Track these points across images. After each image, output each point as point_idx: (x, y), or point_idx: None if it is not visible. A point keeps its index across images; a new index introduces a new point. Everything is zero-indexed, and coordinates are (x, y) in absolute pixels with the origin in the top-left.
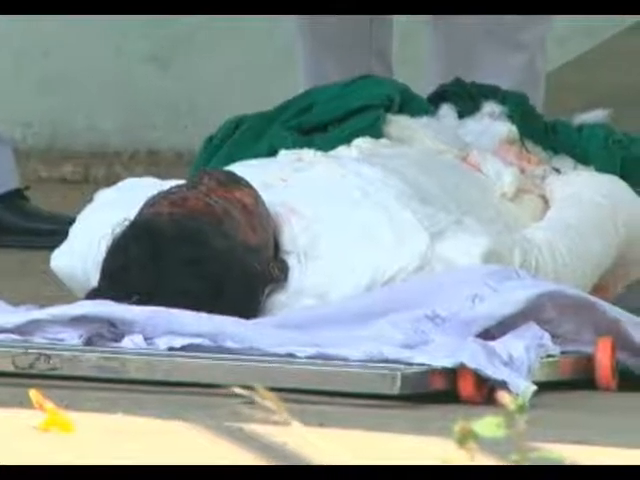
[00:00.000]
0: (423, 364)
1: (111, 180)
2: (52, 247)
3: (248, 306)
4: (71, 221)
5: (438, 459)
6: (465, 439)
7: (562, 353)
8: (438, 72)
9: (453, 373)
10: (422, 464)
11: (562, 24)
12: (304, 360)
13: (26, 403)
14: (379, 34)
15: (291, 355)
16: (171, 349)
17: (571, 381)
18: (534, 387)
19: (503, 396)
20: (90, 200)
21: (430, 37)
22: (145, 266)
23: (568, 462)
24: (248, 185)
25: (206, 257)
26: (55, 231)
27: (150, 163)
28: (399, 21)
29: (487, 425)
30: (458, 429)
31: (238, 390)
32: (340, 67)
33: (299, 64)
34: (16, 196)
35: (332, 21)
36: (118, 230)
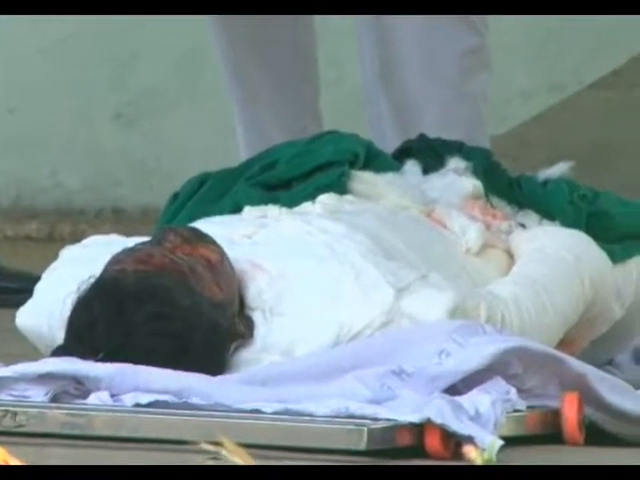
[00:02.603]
0: (389, 419)
1: (77, 238)
2: (17, 305)
3: (214, 362)
4: (37, 279)
5: None
6: None
7: (529, 408)
8: (387, 129)
9: (420, 428)
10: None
11: (526, 80)
12: (270, 416)
13: None
14: (308, 94)
15: (257, 411)
16: (137, 405)
17: (538, 436)
18: (501, 442)
19: (470, 451)
20: (55, 257)
21: (377, 94)
22: (110, 323)
23: None
24: (213, 242)
25: (171, 314)
26: (21, 289)
27: (116, 221)
28: (356, 85)
29: None
30: None
31: (205, 445)
32: (277, 126)
33: (236, 124)
34: None
35: (261, 78)
36: (83, 287)
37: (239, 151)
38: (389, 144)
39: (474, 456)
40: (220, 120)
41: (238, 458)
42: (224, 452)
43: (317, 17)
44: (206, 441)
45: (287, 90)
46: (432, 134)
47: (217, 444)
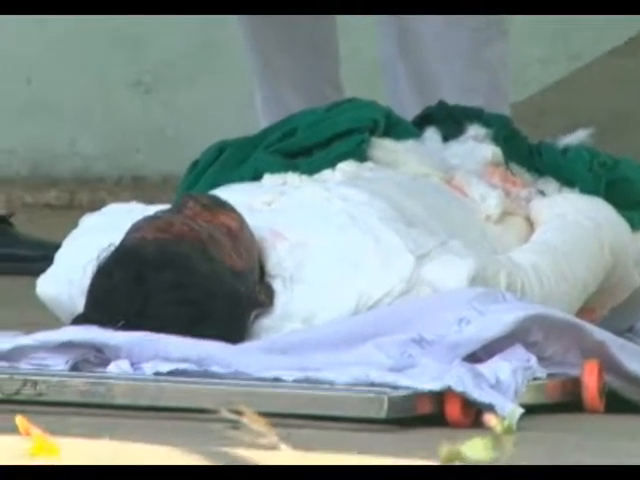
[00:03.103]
0: (410, 388)
1: (96, 206)
2: (37, 273)
3: (234, 330)
4: (56, 247)
5: None
6: (451, 461)
7: (549, 376)
8: (405, 98)
9: (440, 397)
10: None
11: (544, 48)
12: (291, 384)
13: (13, 429)
14: (328, 65)
15: (277, 379)
16: (157, 374)
17: (558, 404)
18: (521, 410)
19: (490, 419)
20: (75, 225)
21: (395, 64)
22: (131, 291)
23: None
24: (233, 209)
25: (191, 282)
26: (39, 257)
27: (135, 188)
28: (374, 55)
29: (475, 447)
30: (444, 451)
31: (226, 413)
32: (296, 95)
33: (255, 93)
34: (1, 222)
35: (280, 51)
36: (103, 255)
37: (258, 120)
38: (408, 113)
39: (494, 424)
40: (238, 90)
41: (259, 426)
42: (245, 420)
43: None
44: (227, 409)
45: (306, 61)
46: (451, 102)
47: (238, 412)
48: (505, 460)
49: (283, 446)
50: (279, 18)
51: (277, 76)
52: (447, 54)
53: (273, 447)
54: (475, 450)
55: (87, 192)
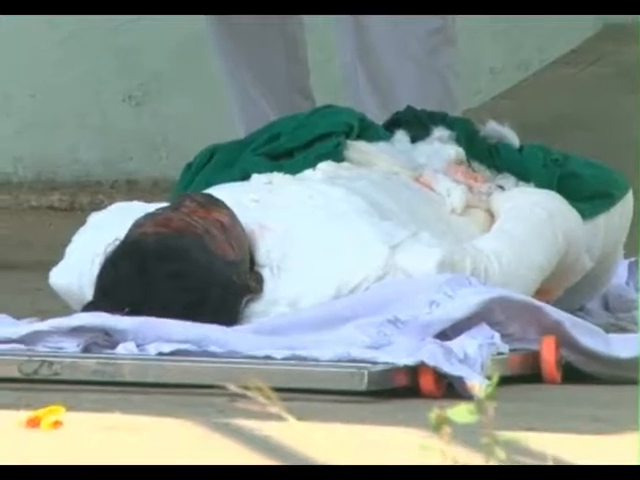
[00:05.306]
0: (387, 363)
1: (95, 207)
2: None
3: (228, 314)
4: None
5: (415, 444)
6: (440, 425)
7: (511, 351)
8: (366, 103)
9: (414, 371)
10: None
11: (495, 58)
12: (280, 361)
13: (32, 405)
14: (296, 73)
15: (268, 357)
16: (160, 354)
17: (520, 376)
18: (487, 382)
19: (473, 386)
20: (76, 225)
21: (356, 73)
22: (134, 281)
23: (523, 446)
24: (225, 206)
25: (189, 271)
26: None
27: (129, 191)
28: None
29: (460, 412)
30: (434, 416)
31: (234, 387)
32: (267, 103)
33: (231, 99)
34: None
35: (248, 62)
36: (110, 249)
37: (235, 126)
38: (368, 115)
39: (477, 390)
40: (218, 99)
41: (266, 397)
42: (250, 393)
43: None
44: (223, 385)
45: (274, 71)
46: (406, 104)
47: (245, 387)
48: (487, 423)
49: (289, 416)
50: (246, 29)
51: (247, 85)
52: (399, 57)
53: (279, 417)
54: (461, 415)
55: (87, 195)
